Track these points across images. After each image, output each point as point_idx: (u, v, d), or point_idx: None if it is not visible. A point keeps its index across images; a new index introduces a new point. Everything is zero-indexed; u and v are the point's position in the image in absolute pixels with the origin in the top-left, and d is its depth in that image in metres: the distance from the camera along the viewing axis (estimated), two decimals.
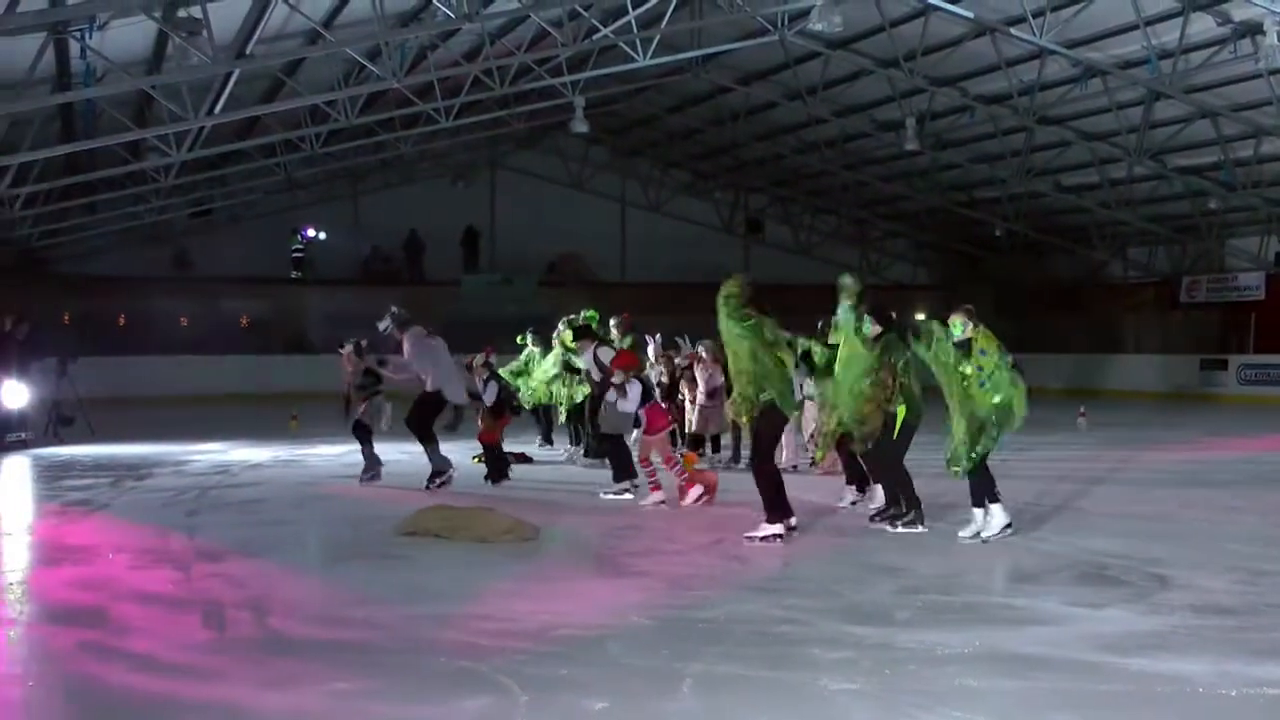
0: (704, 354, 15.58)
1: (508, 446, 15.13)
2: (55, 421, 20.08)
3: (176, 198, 30.03)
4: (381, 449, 14.54)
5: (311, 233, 36.36)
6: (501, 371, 15.52)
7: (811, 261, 38.54)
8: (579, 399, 16.23)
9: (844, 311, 10.57)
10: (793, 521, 10.28)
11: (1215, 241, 32.02)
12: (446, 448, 13.89)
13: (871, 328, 10.54)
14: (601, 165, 38.95)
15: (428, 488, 13.39)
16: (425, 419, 13.61)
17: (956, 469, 9.95)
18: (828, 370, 11.41)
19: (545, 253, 37.79)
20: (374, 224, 36.66)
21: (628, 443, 13.16)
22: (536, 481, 14.44)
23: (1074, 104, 24.93)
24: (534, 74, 23.95)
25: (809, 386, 13.55)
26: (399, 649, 6.89)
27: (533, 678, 6.27)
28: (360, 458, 14.43)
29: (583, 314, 16.43)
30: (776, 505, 10.19)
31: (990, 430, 9.84)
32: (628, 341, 15.19)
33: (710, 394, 15.53)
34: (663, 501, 12.11)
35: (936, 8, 21.44)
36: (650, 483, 12.32)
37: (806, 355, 11.91)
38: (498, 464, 14.26)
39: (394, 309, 13.78)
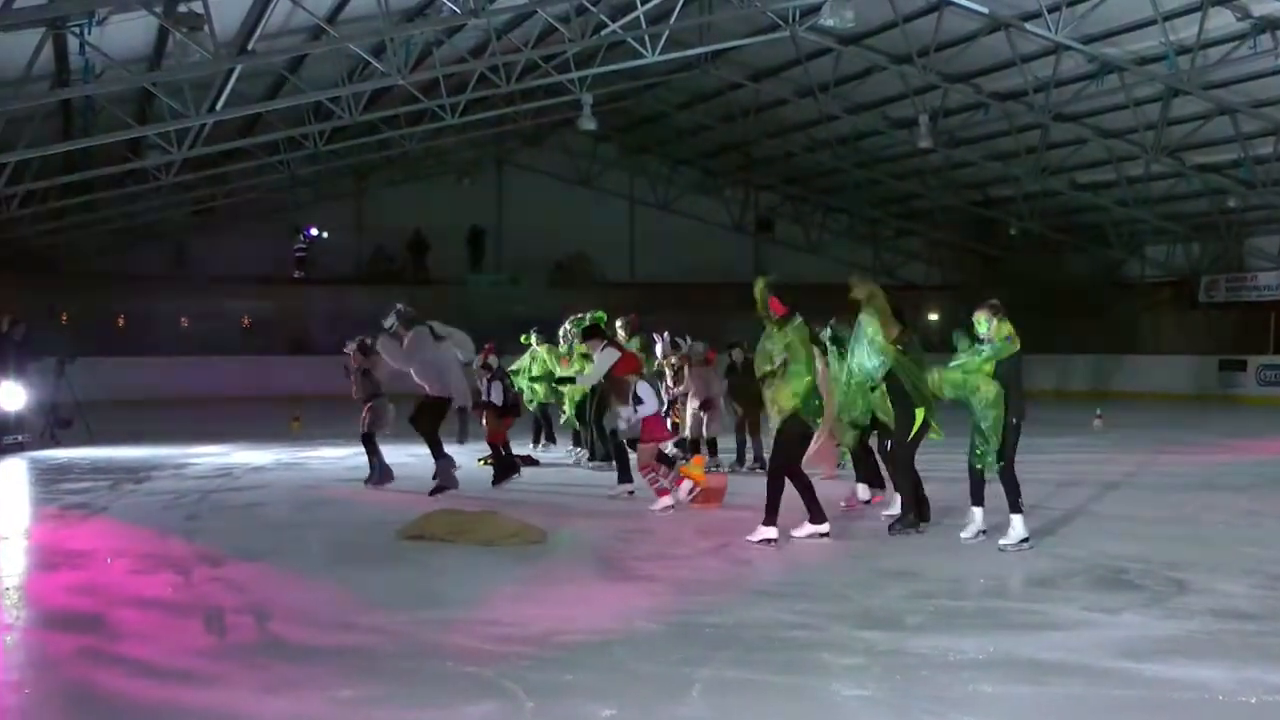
0: (696, 356, 15.59)
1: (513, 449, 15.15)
2: (53, 424, 20.12)
3: (177, 196, 30.09)
4: (386, 451, 14.54)
5: (314, 232, 36.44)
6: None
7: (823, 260, 38.51)
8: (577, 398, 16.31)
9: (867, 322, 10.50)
10: (825, 528, 10.26)
11: (1234, 240, 31.95)
12: (452, 449, 13.88)
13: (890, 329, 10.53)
14: (610, 163, 38.98)
15: (432, 494, 13.41)
16: (432, 423, 13.57)
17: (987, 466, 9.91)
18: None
19: (552, 252, 37.82)
20: (378, 223, 36.74)
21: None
22: (542, 484, 14.44)
23: (1090, 100, 24.87)
24: (541, 70, 23.96)
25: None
26: (403, 654, 6.89)
27: (539, 683, 6.26)
28: (370, 465, 14.43)
29: (589, 315, 16.44)
30: (775, 507, 10.16)
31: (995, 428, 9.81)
32: (635, 343, 15.18)
33: (705, 398, 15.54)
34: (671, 506, 12.11)
35: (950, 3, 21.43)
36: (656, 489, 12.30)
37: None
38: (504, 465, 14.26)
39: (399, 306, 13.78)
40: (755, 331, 15.30)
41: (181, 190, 29.41)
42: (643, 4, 20.64)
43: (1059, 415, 23.92)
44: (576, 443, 17.18)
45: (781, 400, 10.09)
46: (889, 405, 10.70)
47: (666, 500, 12.18)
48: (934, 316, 36.58)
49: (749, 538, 10.24)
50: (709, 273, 38.28)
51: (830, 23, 19.15)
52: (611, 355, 12.77)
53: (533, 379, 17.63)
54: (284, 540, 10.88)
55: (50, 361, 20.32)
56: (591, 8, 20.55)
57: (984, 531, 10.11)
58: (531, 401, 17.75)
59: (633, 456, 13.10)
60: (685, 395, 15.78)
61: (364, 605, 8.14)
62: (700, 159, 38.43)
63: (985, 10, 21.53)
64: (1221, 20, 20.07)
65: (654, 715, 5.87)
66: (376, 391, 14.32)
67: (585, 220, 38.05)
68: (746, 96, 30.22)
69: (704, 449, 15.47)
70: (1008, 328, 9.86)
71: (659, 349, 16.06)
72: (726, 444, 15.98)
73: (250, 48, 17.16)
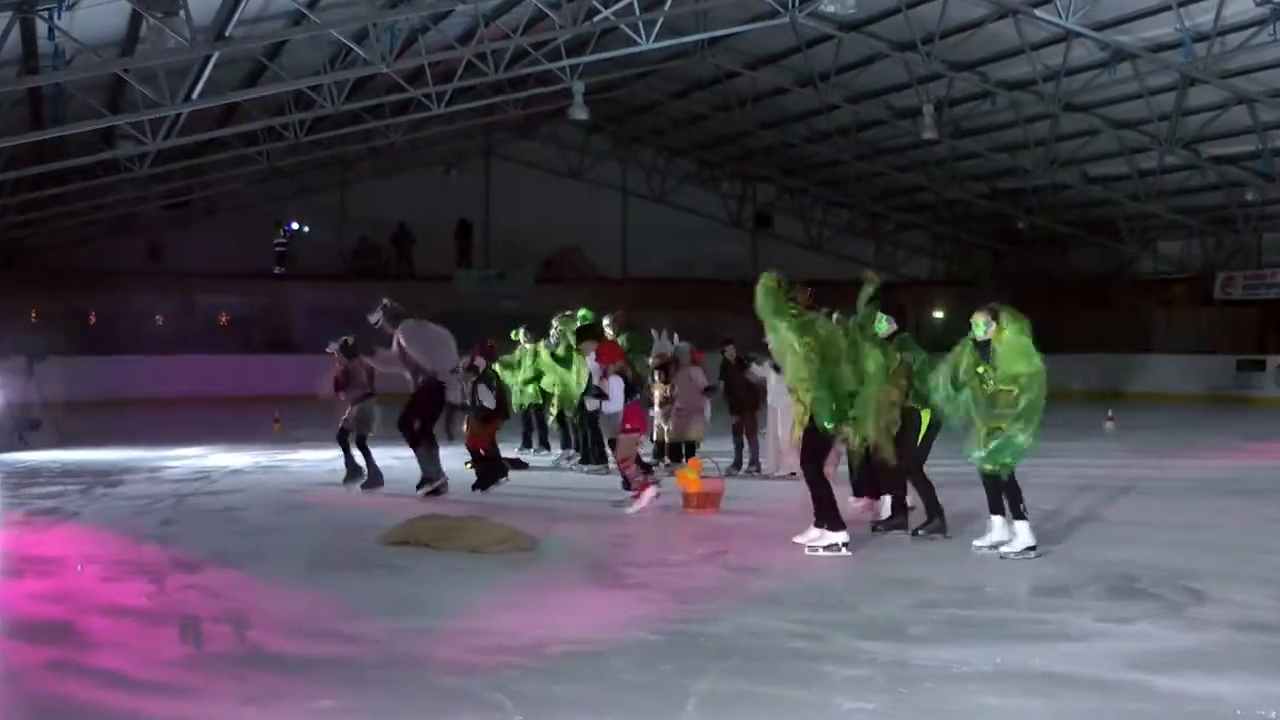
0: (681, 356, 15.60)
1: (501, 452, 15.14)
2: (21, 425, 20.06)
3: (152, 188, 30.04)
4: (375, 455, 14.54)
5: (295, 225, 36.38)
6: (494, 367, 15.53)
7: (823, 256, 38.54)
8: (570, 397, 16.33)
9: (861, 304, 10.53)
10: (843, 537, 10.21)
11: (1252, 235, 31.98)
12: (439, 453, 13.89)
13: (887, 326, 10.59)
14: (602, 154, 38.97)
15: (419, 489, 13.41)
16: (419, 419, 13.57)
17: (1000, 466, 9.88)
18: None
19: (542, 246, 37.81)
20: (361, 216, 36.70)
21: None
22: (532, 488, 14.43)
23: (1102, 90, 24.89)
24: (531, 58, 23.94)
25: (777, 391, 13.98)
26: (386, 665, 6.87)
27: (527, 696, 6.25)
28: (345, 465, 14.43)
29: (578, 313, 16.44)
30: (833, 511, 10.10)
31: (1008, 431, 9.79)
32: (622, 341, 15.17)
33: (688, 399, 15.55)
34: (656, 495, 12.10)
35: None
36: (637, 481, 12.26)
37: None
38: (487, 471, 14.24)
39: (386, 301, 13.80)
40: (752, 330, 15.37)
41: (156, 182, 29.36)
42: None
43: (1069, 417, 23.95)
44: (566, 445, 17.17)
45: (805, 397, 10.05)
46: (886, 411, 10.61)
47: (651, 492, 12.15)
48: (938, 314, 36.59)
49: (807, 542, 10.10)
50: (705, 269, 38.31)
51: (831, 8, 19.18)
52: (618, 383, 12.60)
53: (525, 381, 17.62)
54: (263, 546, 10.86)
55: (19, 360, 20.27)
56: None
57: (1003, 543, 10.04)
58: (521, 404, 17.74)
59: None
60: (669, 397, 15.79)
61: (346, 613, 8.13)
62: (696, 150, 38.43)
63: None
64: (1240, 5, 20.07)
65: None
66: (365, 392, 14.30)
67: (576, 214, 38.03)
68: (744, 85, 30.21)
69: (685, 452, 15.42)
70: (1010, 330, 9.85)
71: (656, 347, 16.07)
72: (715, 446, 15.96)
73: (227, 34, 17.12)
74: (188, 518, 12.53)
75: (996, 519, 10.11)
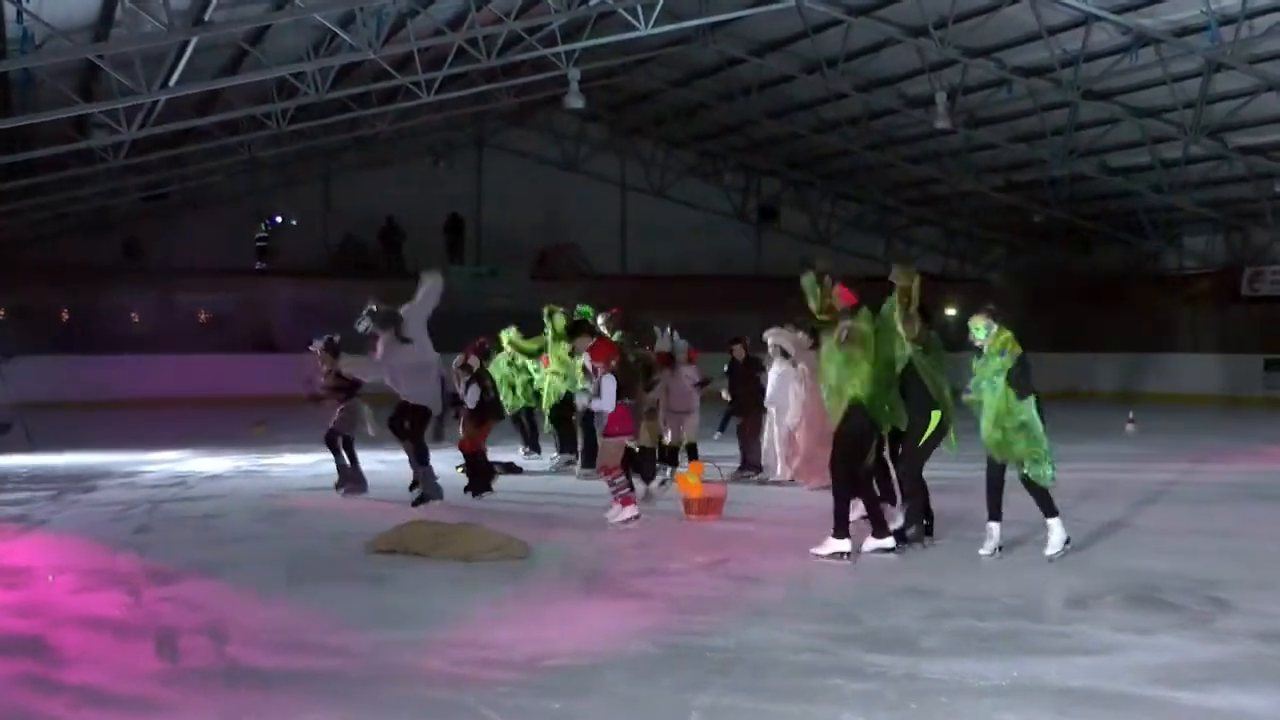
0: (678, 354, 15.62)
1: (493, 455, 15.13)
2: None
3: (127, 180, 29.97)
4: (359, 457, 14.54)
5: (279, 219, 36.34)
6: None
7: (831, 252, 38.48)
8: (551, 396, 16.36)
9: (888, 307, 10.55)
10: (847, 546, 10.23)
11: None
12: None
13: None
14: (599, 145, 38.94)
15: (411, 490, 13.40)
16: (415, 429, 13.56)
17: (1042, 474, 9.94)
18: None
19: (536, 241, 37.77)
20: (347, 210, 36.66)
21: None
22: (526, 494, 14.44)
23: (1123, 76, 24.87)
24: (524, 44, 23.91)
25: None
26: (372, 679, 6.88)
27: (521, 711, 6.26)
28: (336, 469, 14.44)
29: (577, 308, 16.43)
30: (845, 515, 10.20)
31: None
32: (617, 338, 15.16)
33: (683, 400, 15.58)
34: (636, 517, 12.07)
35: None
36: (620, 495, 12.22)
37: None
38: (480, 475, 14.25)
39: (373, 306, 13.68)
40: (757, 328, 15.40)
41: (132, 174, 29.30)
42: None
43: (1088, 419, 23.96)
44: (561, 449, 17.15)
45: (847, 389, 10.06)
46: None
47: (630, 510, 12.11)
48: (951, 311, 36.58)
49: (816, 550, 10.21)
50: (707, 265, 38.27)
51: None
52: (611, 382, 12.53)
53: (512, 383, 17.62)
54: (243, 554, 10.86)
55: None
56: None
57: (1001, 547, 10.12)
58: (515, 406, 17.73)
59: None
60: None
61: (331, 625, 8.13)
62: (697, 141, 38.39)
63: None
64: None
65: None
66: (351, 391, 14.29)
67: (572, 207, 38.02)
68: (748, 73, 30.19)
69: (684, 455, 15.44)
70: (1007, 335, 9.90)
71: (658, 344, 16.07)
72: (718, 451, 15.98)
73: (207, 18, 17.09)
74: (164, 525, 12.52)
75: (994, 526, 10.18)
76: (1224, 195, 31.18)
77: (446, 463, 15.04)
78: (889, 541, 10.30)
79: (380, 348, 13.47)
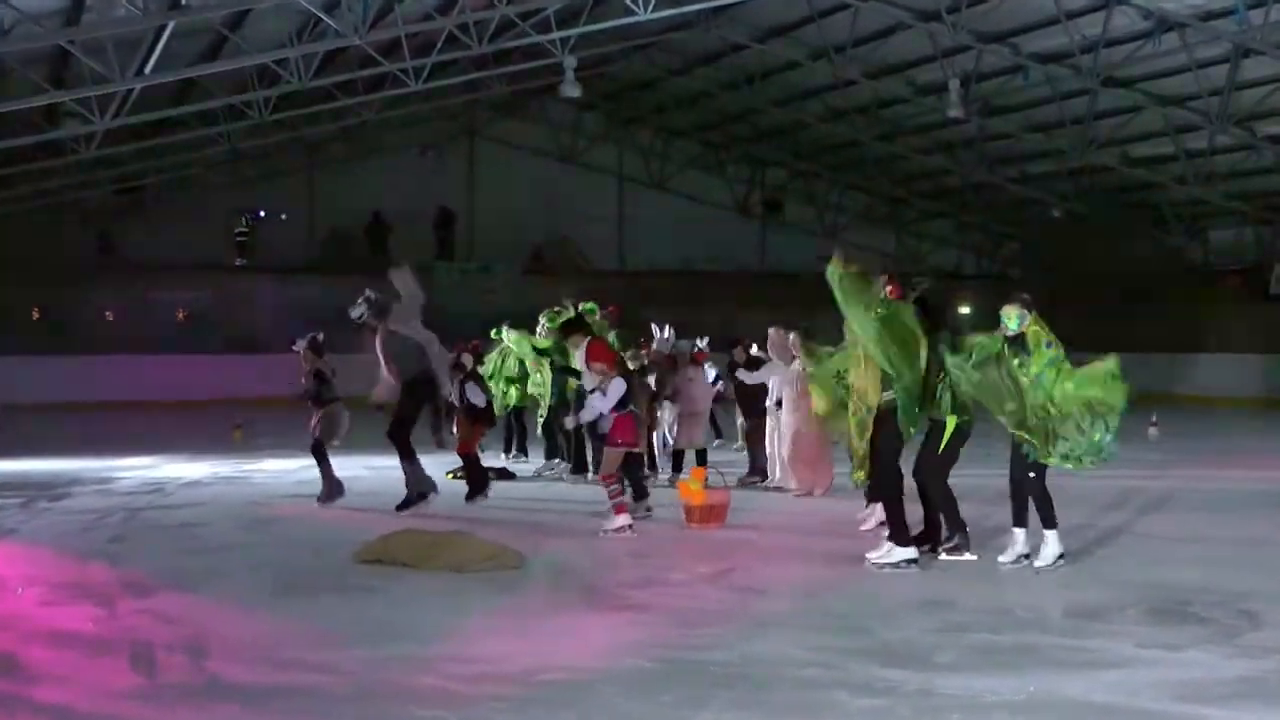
0: (681, 356, 15.62)
1: (484, 461, 15.13)
2: None
3: (100, 172, 30.03)
4: (341, 464, 14.51)
5: (261, 214, 36.32)
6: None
7: (838, 246, 38.45)
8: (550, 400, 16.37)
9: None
10: (912, 553, 10.23)
11: None
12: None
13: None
14: (596, 135, 38.97)
15: (399, 510, 13.37)
16: (404, 427, 13.54)
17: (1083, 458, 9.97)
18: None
19: (530, 236, 37.82)
20: (332, 203, 36.68)
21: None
22: (520, 501, 14.43)
23: (1146, 62, 24.86)
24: (518, 29, 23.90)
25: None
26: (359, 696, 6.87)
27: None
28: (322, 479, 14.42)
29: (583, 306, 16.41)
30: (902, 524, 10.21)
31: (1069, 431, 9.87)
32: (612, 338, 15.17)
33: (689, 403, 15.58)
34: (630, 526, 12.05)
35: None
36: (616, 502, 12.21)
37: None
38: (478, 479, 14.24)
39: (369, 293, 13.68)
40: (761, 327, 15.39)
41: (105, 166, 29.36)
42: None
43: None
44: (551, 455, 17.14)
45: (872, 393, 10.06)
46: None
47: (623, 519, 12.10)
48: (964, 310, 36.59)
49: (874, 557, 10.22)
50: (708, 260, 38.27)
51: None
52: (620, 386, 12.51)
53: (508, 379, 17.61)
54: (223, 565, 10.85)
55: None
56: None
57: (1026, 555, 10.14)
58: (507, 406, 17.73)
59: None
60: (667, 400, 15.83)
61: (316, 640, 8.13)
62: (699, 131, 38.43)
63: None
64: None
65: None
66: (332, 396, 14.28)
67: (568, 201, 38.06)
68: (752, 59, 30.21)
69: (688, 461, 15.44)
70: (1046, 332, 9.90)
71: (655, 344, 16.07)
72: (722, 456, 15.99)
73: (183, 2, 17.11)
74: (140, 534, 12.52)
75: (1019, 532, 10.17)
76: (1252, 187, 31.17)
77: (440, 469, 15.03)
78: (912, 551, 10.25)
79: (379, 346, 13.44)
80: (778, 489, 14.94)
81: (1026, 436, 9.87)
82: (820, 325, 13.30)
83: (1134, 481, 15.47)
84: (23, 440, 20.82)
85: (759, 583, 9.87)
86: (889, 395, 10.12)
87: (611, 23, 24.07)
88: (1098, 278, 36.36)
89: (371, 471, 16.07)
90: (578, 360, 13.62)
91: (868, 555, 10.35)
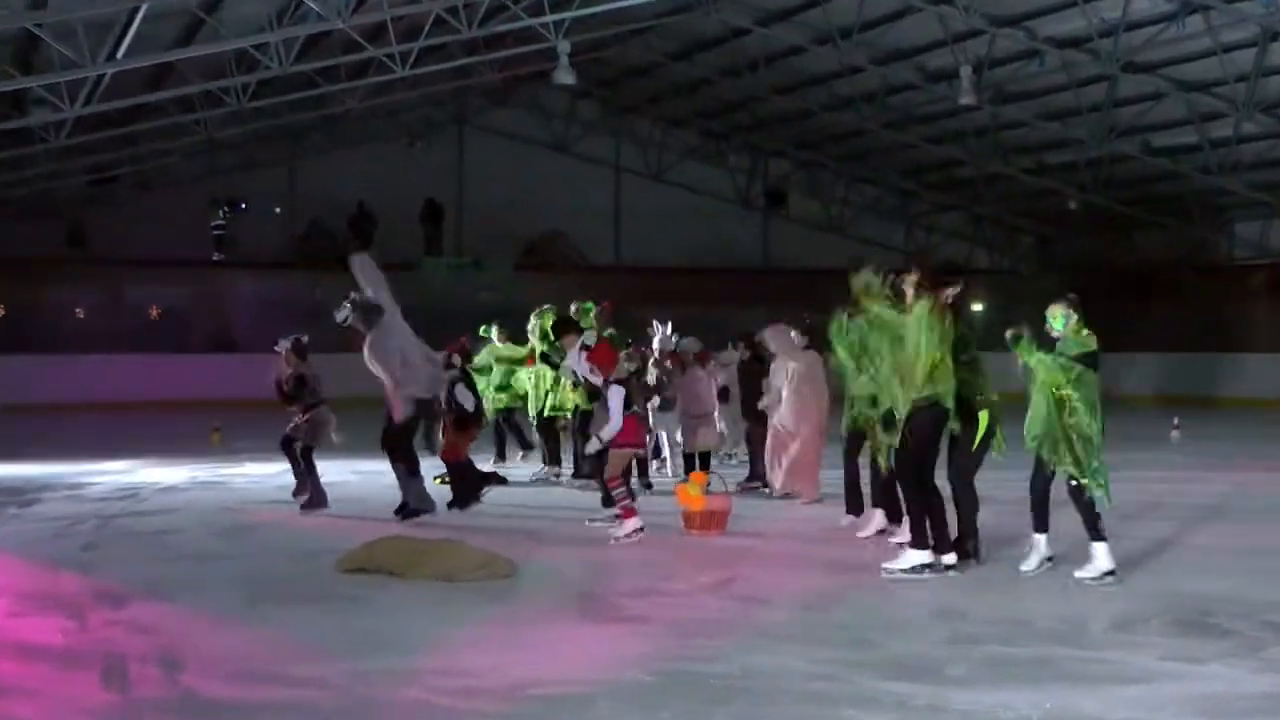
0: (686, 355, 15.63)
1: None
2: None
3: (71, 162, 29.97)
4: (325, 469, 14.52)
5: (244, 205, 36.28)
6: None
7: (844, 240, 38.54)
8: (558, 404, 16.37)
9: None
10: (950, 559, 10.26)
11: None
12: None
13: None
14: (591, 124, 38.96)
15: (398, 514, 13.37)
16: (405, 436, 13.55)
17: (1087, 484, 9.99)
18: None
19: (523, 230, 37.81)
20: (314, 194, 36.65)
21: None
22: (512, 507, 14.43)
23: (1168, 47, 24.87)
24: (509, 13, 23.90)
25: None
26: (343, 711, 6.89)
27: None
28: (294, 476, 14.45)
29: (572, 305, 16.42)
30: (924, 529, 10.22)
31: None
32: (606, 335, 15.18)
33: (696, 404, 15.59)
34: (641, 529, 12.06)
35: None
36: (624, 506, 12.21)
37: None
38: (466, 485, 14.25)
39: (355, 295, 13.68)
40: (763, 325, 15.40)
41: (76, 155, 29.30)
42: None
43: (1129, 425, 23.88)
44: (548, 459, 17.15)
45: (911, 378, 10.09)
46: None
47: (634, 523, 12.10)
48: (978, 307, 36.64)
49: (890, 565, 10.27)
50: (709, 255, 38.27)
51: None
52: (619, 393, 12.51)
53: (498, 386, 17.61)
54: (201, 574, 10.85)
55: None
56: None
57: (1050, 559, 10.14)
58: (496, 409, 17.73)
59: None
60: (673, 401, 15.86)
61: (297, 652, 8.13)
62: (699, 120, 38.41)
63: None
64: None
65: None
66: (317, 399, 14.29)
67: (561, 192, 38.01)
68: (754, 44, 30.20)
69: (697, 464, 15.47)
70: (1087, 337, 9.96)
71: (656, 342, 16.07)
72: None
73: None
74: (113, 542, 12.51)
75: (1040, 538, 10.19)
76: None
77: (426, 474, 15.04)
78: (927, 555, 10.23)
79: (366, 348, 13.43)
80: (784, 496, 14.92)
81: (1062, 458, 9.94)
82: (823, 322, 13.31)
83: (1154, 486, 15.52)
84: None
85: (761, 592, 9.88)
86: (925, 392, 10.09)
87: (607, 6, 24.08)
88: (1116, 273, 36.39)
89: (357, 476, 16.07)
90: (571, 359, 13.65)
91: (884, 565, 10.37)
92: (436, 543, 10.86)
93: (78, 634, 8.76)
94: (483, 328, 17.78)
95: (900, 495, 11.06)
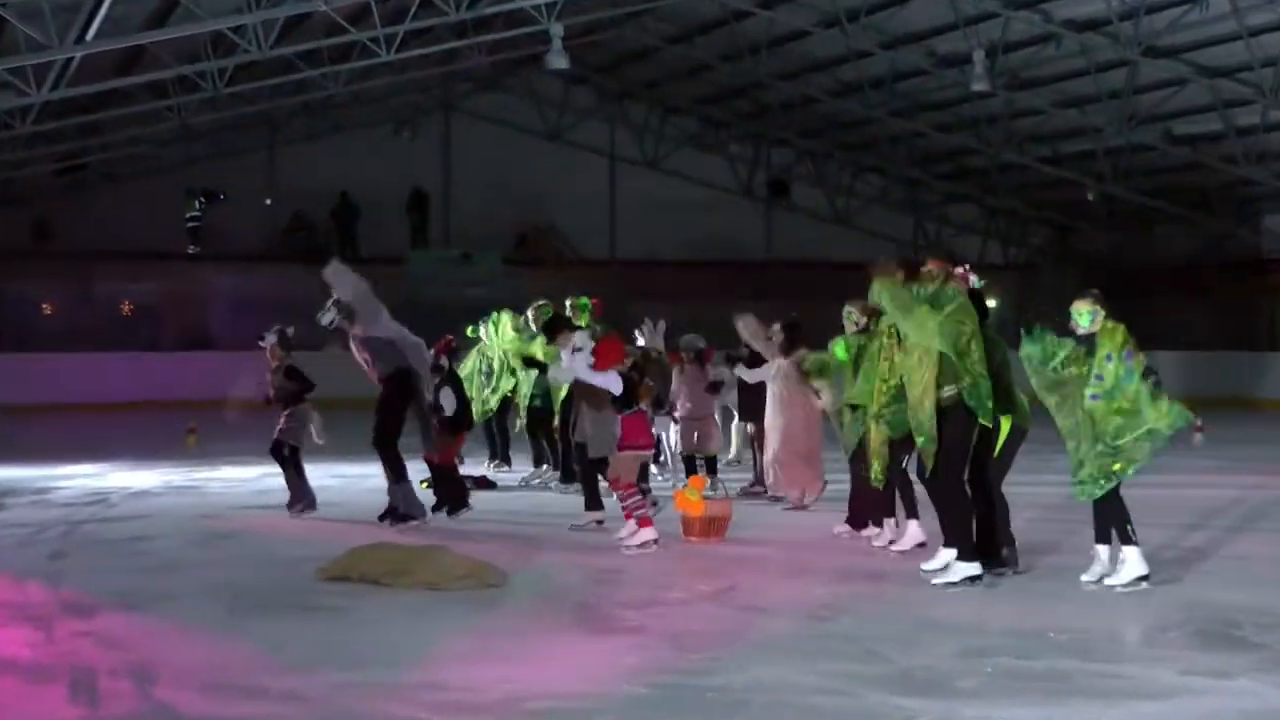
0: (688, 353, 15.63)
1: (465, 468, 15.14)
2: None
3: (37, 150, 29.96)
4: (307, 472, 14.53)
5: (221, 195, 36.25)
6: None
7: (851, 233, 38.55)
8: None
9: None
10: (977, 569, 10.22)
11: None
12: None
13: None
14: (585, 111, 38.95)
15: (389, 522, 13.34)
16: (392, 435, 13.56)
17: (1084, 491, 9.99)
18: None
19: (514, 222, 37.80)
20: (295, 184, 36.60)
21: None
22: (502, 513, 14.44)
23: (1191, 30, 24.89)
24: None
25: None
26: None
27: None
28: (285, 485, 14.43)
29: (568, 301, 16.41)
30: (969, 538, 10.21)
31: (1130, 451, 9.95)
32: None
33: (699, 405, 15.59)
34: (655, 540, 12.04)
35: None
36: (635, 515, 12.18)
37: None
38: (454, 490, 14.24)
39: (338, 296, 13.68)
40: (766, 320, 15.39)
41: (43, 143, 29.29)
42: None
43: None
44: (538, 462, 17.16)
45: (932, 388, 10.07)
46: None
47: (648, 533, 12.08)
48: (992, 303, 36.65)
49: (930, 568, 10.34)
50: (708, 248, 38.27)
51: None
52: (619, 381, 12.48)
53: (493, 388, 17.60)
54: (174, 584, 10.84)
55: None
56: None
57: (1106, 578, 10.12)
58: (486, 412, 17.71)
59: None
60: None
61: (275, 665, 8.13)
62: (698, 107, 38.42)
63: None
64: None
65: None
66: (308, 385, 14.27)
67: (555, 182, 38.02)
68: (756, 28, 30.20)
69: (700, 469, 15.48)
70: (1122, 333, 9.94)
71: (641, 342, 16.05)
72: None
73: None
74: (82, 550, 12.51)
75: (1102, 549, 10.17)
76: None
77: (417, 477, 15.05)
78: (976, 568, 10.17)
79: (355, 339, 13.45)
80: (779, 501, 14.90)
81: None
82: (824, 320, 13.36)
83: (1177, 491, 15.50)
84: None
85: (763, 602, 9.88)
86: (950, 390, 10.02)
87: None
88: (1137, 267, 36.40)
89: (339, 480, 16.07)
90: (564, 358, 13.63)
91: (922, 566, 10.45)
92: (423, 550, 10.85)
93: (45, 647, 8.74)
94: (470, 328, 17.65)
95: (935, 503, 10.95)
